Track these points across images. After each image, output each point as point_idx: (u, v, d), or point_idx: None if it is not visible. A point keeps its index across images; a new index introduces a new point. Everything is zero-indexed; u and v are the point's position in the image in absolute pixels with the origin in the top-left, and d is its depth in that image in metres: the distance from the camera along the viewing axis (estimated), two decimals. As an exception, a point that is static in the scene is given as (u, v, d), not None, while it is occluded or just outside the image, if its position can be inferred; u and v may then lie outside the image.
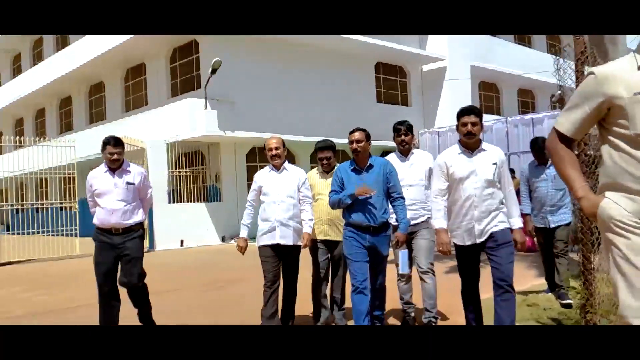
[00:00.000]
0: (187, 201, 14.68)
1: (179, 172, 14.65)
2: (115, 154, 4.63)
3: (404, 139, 4.73)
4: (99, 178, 4.71)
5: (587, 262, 3.56)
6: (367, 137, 4.36)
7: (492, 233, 3.83)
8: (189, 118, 14.27)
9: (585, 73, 1.89)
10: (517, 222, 3.97)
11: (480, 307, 4.13)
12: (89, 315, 5.22)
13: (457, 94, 19.35)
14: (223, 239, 14.58)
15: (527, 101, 24.46)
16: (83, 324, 5.11)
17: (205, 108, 14.10)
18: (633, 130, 1.94)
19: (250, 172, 14.54)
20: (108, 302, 4.69)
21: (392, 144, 4.85)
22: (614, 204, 1.97)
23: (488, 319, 4.10)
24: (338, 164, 4.72)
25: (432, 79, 20.33)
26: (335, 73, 17.48)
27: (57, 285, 8.39)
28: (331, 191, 4.41)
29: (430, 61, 20.17)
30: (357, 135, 4.35)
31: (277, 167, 4.75)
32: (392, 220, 4.44)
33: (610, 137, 2.02)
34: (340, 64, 17.67)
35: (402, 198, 4.38)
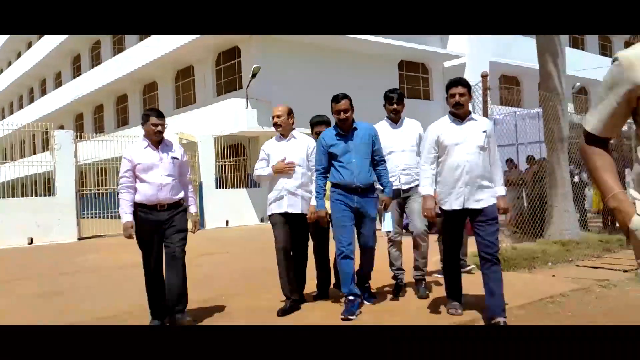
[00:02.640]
0: (231, 187, 16.59)
1: (224, 162, 16.60)
2: (160, 125, 4.21)
3: (396, 107, 4.70)
4: (141, 153, 4.21)
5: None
6: (351, 103, 4.29)
7: (482, 209, 3.91)
8: (232, 115, 16.39)
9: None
10: (501, 190, 4.03)
11: (460, 274, 4.27)
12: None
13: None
14: (262, 220, 16.49)
15: (548, 93, 25.40)
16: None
17: (247, 107, 16.18)
18: None
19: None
20: (159, 279, 4.35)
21: None
22: None
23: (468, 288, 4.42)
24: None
25: (453, 74, 21.50)
26: (362, 72, 19.04)
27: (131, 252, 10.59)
28: (316, 162, 4.36)
29: (451, 58, 21.52)
30: (343, 105, 4.22)
31: (284, 136, 4.56)
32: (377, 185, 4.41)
33: None
34: (367, 63, 19.30)
35: (384, 161, 4.36)
